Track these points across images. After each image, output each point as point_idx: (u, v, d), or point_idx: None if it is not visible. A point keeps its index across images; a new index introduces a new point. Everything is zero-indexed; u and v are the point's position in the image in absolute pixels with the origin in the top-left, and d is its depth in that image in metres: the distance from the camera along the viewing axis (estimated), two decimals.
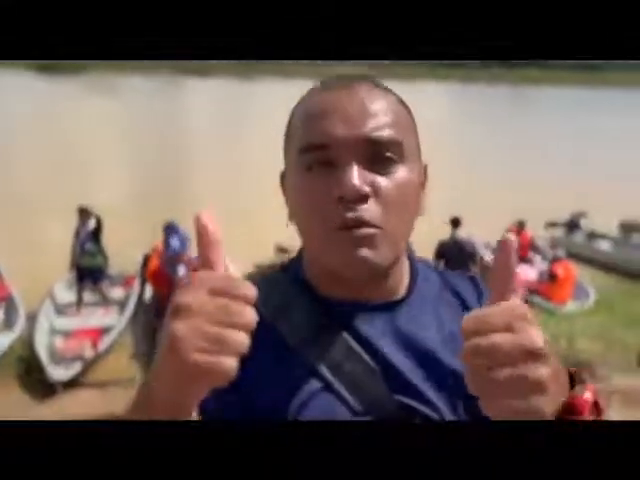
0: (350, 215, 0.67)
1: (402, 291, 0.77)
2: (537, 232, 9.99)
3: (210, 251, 0.52)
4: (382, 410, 0.69)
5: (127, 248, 7.20)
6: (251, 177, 15.03)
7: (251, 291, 0.50)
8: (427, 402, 0.71)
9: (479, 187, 13.87)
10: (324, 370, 0.70)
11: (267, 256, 9.03)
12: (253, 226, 10.82)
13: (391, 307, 0.75)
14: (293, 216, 0.76)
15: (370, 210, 0.68)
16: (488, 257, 7.96)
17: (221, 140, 22.26)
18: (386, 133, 0.69)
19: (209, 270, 0.52)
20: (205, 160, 18.22)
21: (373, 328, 0.73)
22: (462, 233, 7.56)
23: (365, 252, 0.68)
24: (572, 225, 11.54)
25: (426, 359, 0.73)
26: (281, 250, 9.10)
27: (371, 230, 0.68)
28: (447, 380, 0.72)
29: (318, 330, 0.73)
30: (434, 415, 0.70)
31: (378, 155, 0.69)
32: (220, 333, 0.48)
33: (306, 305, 0.75)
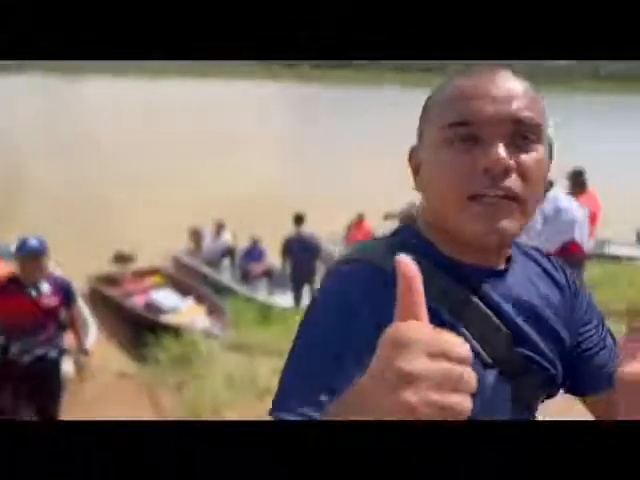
0: (495, 186, 0.74)
1: (506, 256, 0.87)
2: (377, 223, 10.51)
3: (414, 299, 0.50)
4: (508, 362, 0.80)
5: None
6: (73, 179, 14.13)
7: (466, 351, 0.48)
8: (542, 354, 0.84)
9: (322, 183, 14.29)
10: (461, 329, 0.77)
11: (104, 267, 8.50)
12: (86, 234, 10.10)
13: (505, 272, 0.85)
14: (424, 187, 0.83)
15: (514, 183, 0.75)
16: (333, 251, 8.21)
17: (43, 142, 20.58)
18: (529, 114, 0.76)
19: (414, 322, 0.49)
20: (29, 162, 16.70)
21: (495, 292, 0.82)
22: (306, 229, 7.71)
23: (505, 223, 0.75)
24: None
25: (536, 320, 0.85)
26: (120, 258, 8.64)
27: (513, 203, 0.75)
28: (552, 338, 0.86)
29: (453, 295, 0.79)
30: (547, 365, 0.84)
31: (520, 134, 0.76)
32: (446, 399, 0.46)
33: (444, 274, 0.80)
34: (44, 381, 3.66)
